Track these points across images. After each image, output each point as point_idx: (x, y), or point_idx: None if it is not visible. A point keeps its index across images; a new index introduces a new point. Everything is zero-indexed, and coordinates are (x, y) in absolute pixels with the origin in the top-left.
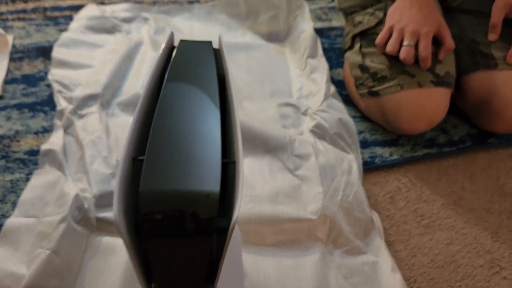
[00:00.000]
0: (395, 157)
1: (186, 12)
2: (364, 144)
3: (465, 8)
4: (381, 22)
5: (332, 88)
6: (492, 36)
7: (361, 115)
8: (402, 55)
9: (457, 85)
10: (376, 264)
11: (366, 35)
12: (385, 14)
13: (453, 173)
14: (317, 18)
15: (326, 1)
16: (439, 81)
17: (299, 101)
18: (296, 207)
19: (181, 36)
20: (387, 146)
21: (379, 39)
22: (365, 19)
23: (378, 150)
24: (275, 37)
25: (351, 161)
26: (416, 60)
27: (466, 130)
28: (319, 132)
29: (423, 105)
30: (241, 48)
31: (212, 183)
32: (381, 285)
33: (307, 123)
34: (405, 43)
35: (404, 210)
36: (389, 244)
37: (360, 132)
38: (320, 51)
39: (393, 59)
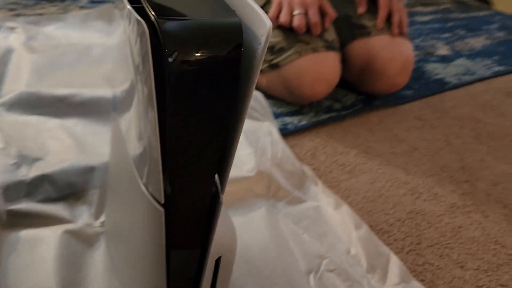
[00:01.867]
0: (304, 122)
1: (58, 21)
2: (273, 115)
3: None
4: (268, 2)
5: None
6: (361, 9)
7: (263, 94)
8: (295, 23)
9: (341, 57)
10: (318, 207)
11: None
12: None
13: (355, 130)
14: None
15: None
16: (330, 46)
17: None
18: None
19: (55, 43)
20: (294, 115)
21: (271, 13)
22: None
23: (287, 119)
24: None
25: (269, 126)
26: (307, 30)
27: (354, 97)
28: None
29: (321, 68)
30: None
31: (230, 15)
32: (330, 222)
33: None
34: (295, 12)
35: (327, 162)
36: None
37: None
38: None
39: (286, 31)
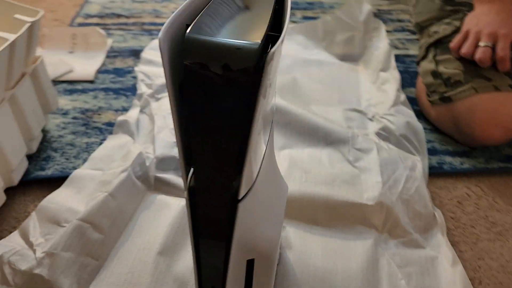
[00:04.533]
0: (466, 166)
1: None
2: (432, 152)
3: None
4: (457, 30)
5: (403, 96)
6: None
7: (431, 128)
8: (478, 55)
9: None
10: (435, 259)
11: (441, 44)
12: (462, 24)
13: None
14: (394, 47)
15: (404, 34)
16: None
17: (367, 109)
18: (353, 192)
19: None
20: (458, 156)
21: (454, 43)
22: (441, 29)
23: (448, 159)
24: (350, 58)
25: (416, 161)
26: (493, 65)
27: None
28: (384, 134)
29: (499, 110)
30: (314, 63)
31: (254, 43)
32: (439, 279)
33: (373, 127)
34: (481, 43)
35: (473, 215)
36: (453, 244)
37: (429, 141)
38: (393, 63)
39: (468, 63)
